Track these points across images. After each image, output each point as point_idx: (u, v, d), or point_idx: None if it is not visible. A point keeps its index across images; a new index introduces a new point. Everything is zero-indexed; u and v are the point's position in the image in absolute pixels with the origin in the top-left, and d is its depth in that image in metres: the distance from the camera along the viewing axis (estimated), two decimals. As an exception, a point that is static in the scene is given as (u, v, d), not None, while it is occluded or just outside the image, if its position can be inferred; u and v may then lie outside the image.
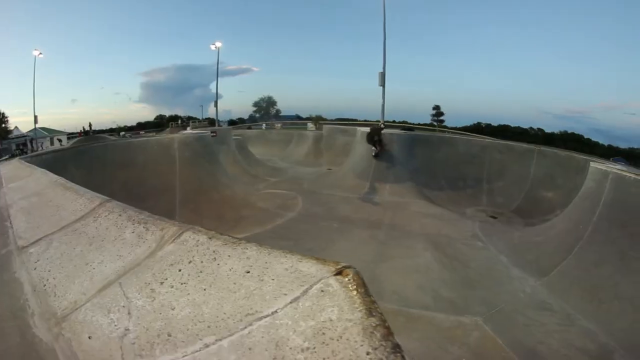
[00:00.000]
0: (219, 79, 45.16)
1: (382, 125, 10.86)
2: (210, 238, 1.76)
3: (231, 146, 15.72)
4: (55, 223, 2.55)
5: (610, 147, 52.44)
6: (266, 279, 1.30)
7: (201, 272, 1.50)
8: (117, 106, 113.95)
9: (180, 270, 1.56)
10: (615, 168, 6.59)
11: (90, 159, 8.25)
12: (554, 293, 5.44)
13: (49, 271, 1.97)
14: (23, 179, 4.60)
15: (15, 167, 5.85)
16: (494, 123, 62.93)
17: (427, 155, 13.28)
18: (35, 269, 2.04)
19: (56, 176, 4.19)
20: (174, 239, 1.85)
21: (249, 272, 1.38)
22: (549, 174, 11.06)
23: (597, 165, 7.15)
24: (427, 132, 26.30)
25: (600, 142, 56.31)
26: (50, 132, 48.67)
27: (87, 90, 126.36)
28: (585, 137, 58.19)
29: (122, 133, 49.96)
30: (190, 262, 1.60)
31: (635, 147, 50.95)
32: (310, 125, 30.65)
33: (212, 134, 13.00)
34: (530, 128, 62.13)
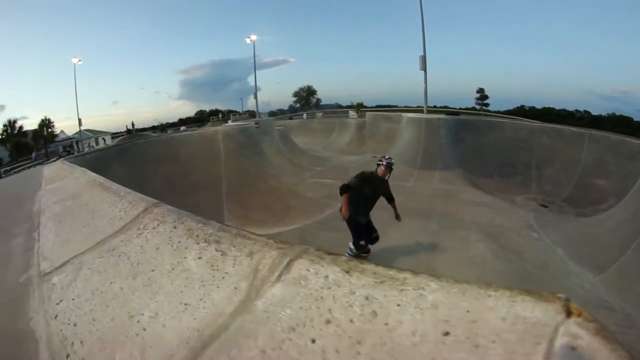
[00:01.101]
0: (256, 71, 45.44)
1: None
2: (346, 272, 1.05)
3: (274, 137, 15.83)
4: (88, 237, 1.95)
5: None
6: (483, 343, 0.77)
7: (360, 343, 0.86)
8: (157, 104, 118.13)
9: (314, 342, 0.91)
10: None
11: (133, 156, 8.35)
12: (612, 290, 5.21)
13: (75, 326, 1.29)
14: (62, 180, 4.17)
15: (57, 168, 5.66)
16: (538, 106, 60.31)
17: (474, 140, 13.13)
18: (56, 317, 1.36)
19: (95, 175, 3.65)
20: (280, 274, 1.11)
21: (448, 333, 0.81)
22: (601, 159, 10.74)
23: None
24: (471, 116, 25.70)
25: None
26: (95, 133, 51.05)
27: (127, 92, 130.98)
28: (635, 119, 54.67)
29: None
30: (328, 322, 0.94)
31: (690, 130, 47.29)
32: (352, 113, 30.51)
33: (255, 126, 13.16)
34: (576, 110, 59.10)
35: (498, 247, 6.60)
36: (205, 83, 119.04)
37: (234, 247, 1.34)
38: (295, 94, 72.13)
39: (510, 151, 12.44)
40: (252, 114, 41.59)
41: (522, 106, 60.92)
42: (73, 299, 1.44)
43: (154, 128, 60.97)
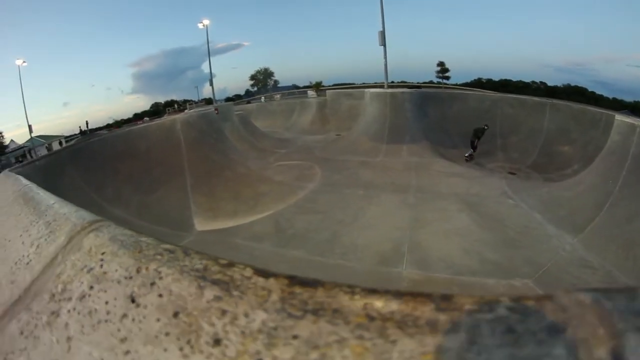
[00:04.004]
0: (210, 57, 43.70)
1: (486, 127, 11.10)
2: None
3: (235, 122, 15.26)
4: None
5: (615, 99, 50.87)
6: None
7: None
8: (110, 101, 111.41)
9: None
10: (641, 121, 6.56)
11: (88, 156, 7.48)
12: (591, 250, 5.40)
13: None
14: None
15: (-2, 180, 4.85)
16: (495, 78, 61.66)
17: (438, 112, 13.22)
18: None
19: (24, 183, 2.30)
20: None
21: None
22: (563, 127, 11.04)
23: (623, 118, 7.12)
24: (432, 89, 25.98)
25: (605, 95, 55.05)
26: (48, 139, 47.63)
27: (78, 91, 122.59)
28: (589, 90, 56.95)
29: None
30: None
31: (640, 99, 49.98)
32: (310, 92, 29.99)
33: (215, 111, 12.65)
34: (532, 82, 60.70)
35: (479, 216, 6.59)
36: (159, 74, 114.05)
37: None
38: (252, 77, 70.72)
39: (474, 122, 12.51)
40: (208, 102, 40.46)
41: (480, 79, 62.05)
42: None
43: (109, 126, 58.24)
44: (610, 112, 9.49)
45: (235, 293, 0.70)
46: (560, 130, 11.07)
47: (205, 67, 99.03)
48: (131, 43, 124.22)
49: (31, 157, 38.41)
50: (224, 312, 0.67)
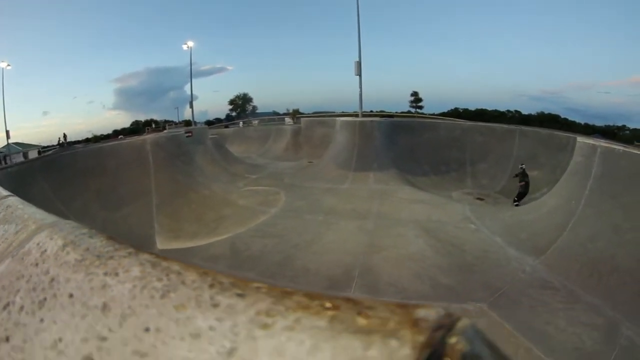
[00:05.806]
0: (193, 80, 43.74)
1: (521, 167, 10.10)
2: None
3: (208, 145, 15.14)
4: None
5: (587, 125, 52.47)
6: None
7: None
8: (91, 115, 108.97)
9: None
10: (603, 142, 6.55)
11: (59, 168, 7.66)
12: (553, 271, 5.37)
13: None
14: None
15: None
16: (471, 108, 62.75)
17: (408, 141, 13.23)
18: None
19: None
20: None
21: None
22: (532, 153, 11.17)
23: (584, 140, 7.14)
24: (406, 118, 26.30)
25: (577, 120, 56.67)
26: (24, 147, 46.41)
27: (59, 101, 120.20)
28: (562, 116, 58.64)
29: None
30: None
31: (611, 124, 52.00)
32: (287, 119, 30.02)
33: (186, 135, 12.51)
34: (507, 111, 61.97)
35: (437, 242, 6.51)
36: (141, 92, 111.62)
37: None
38: (231, 102, 70.40)
39: (444, 150, 12.67)
40: (188, 123, 40.21)
41: (456, 108, 62.89)
42: None
43: (87, 140, 56.79)
44: (573, 135, 9.53)
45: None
46: (529, 155, 11.19)
47: (187, 89, 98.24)
48: (116, 58, 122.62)
49: (5, 163, 37.36)
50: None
